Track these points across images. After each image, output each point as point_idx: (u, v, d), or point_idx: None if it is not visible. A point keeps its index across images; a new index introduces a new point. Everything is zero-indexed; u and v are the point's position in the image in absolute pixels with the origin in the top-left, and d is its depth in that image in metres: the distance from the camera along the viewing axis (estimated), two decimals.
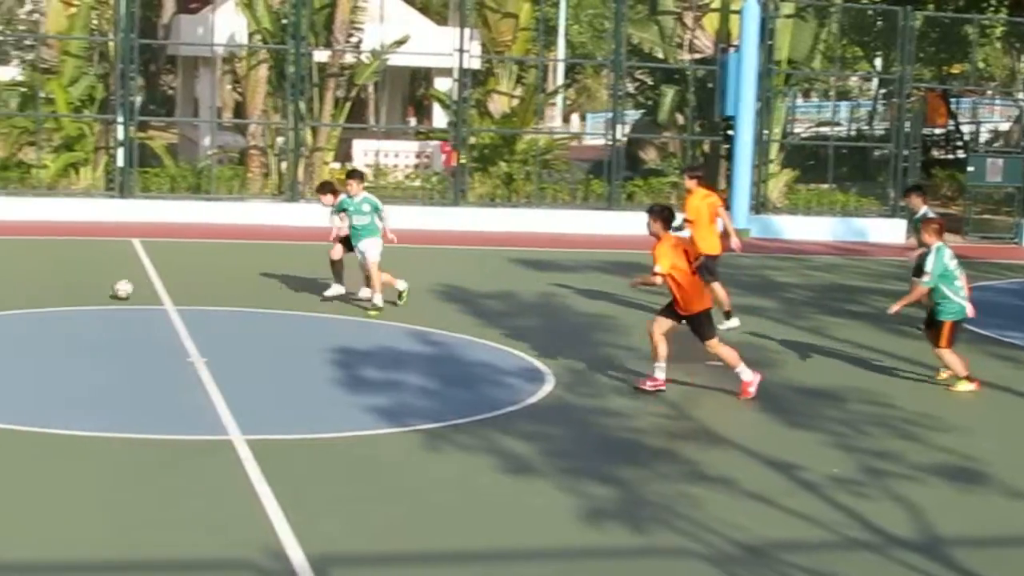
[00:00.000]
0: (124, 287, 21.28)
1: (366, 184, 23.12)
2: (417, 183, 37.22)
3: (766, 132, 36.84)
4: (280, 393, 15.95)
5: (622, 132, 37.69)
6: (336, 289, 21.94)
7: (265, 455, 12.93)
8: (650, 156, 42.83)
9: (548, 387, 16.68)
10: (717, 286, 20.65)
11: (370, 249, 21.29)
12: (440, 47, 36.55)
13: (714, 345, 16.30)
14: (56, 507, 11.46)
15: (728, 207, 35.02)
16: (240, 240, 30.20)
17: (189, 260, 27.26)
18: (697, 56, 39.21)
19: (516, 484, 12.62)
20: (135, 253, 27.17)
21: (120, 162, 33.71)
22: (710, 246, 20.56)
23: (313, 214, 32.54)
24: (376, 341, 18.89)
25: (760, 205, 36.53)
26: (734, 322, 21.11)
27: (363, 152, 38.93)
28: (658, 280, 16.09)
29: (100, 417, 14.37)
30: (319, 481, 12.43)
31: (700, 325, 16.26)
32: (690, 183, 21.40)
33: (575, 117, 74.26)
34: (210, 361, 17.01)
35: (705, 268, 18.90)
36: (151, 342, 18.52)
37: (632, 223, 33.99)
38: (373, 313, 20.89)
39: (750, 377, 16.29)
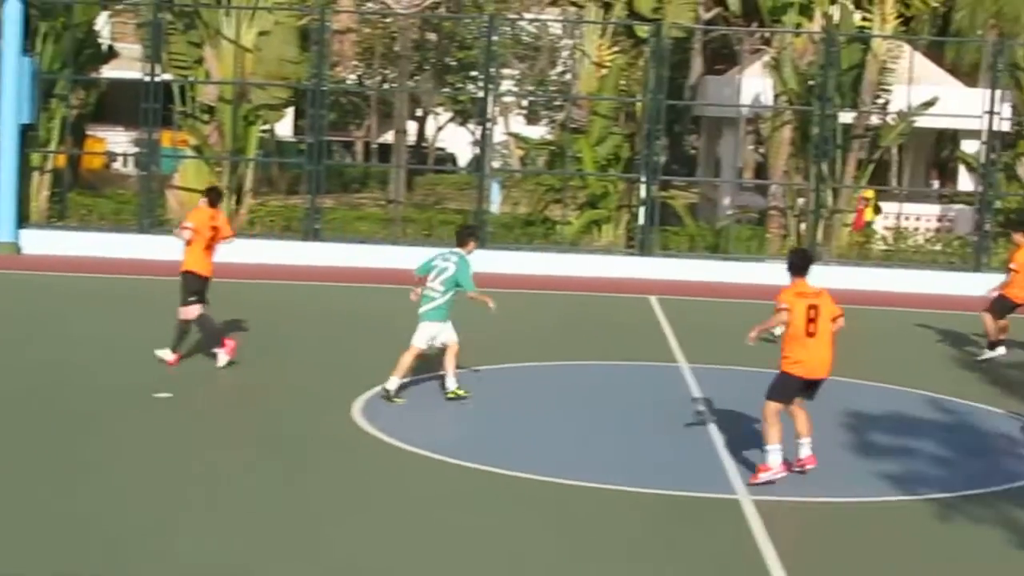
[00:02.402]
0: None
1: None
2: (937, 247, 36.51)
3: None
4: (788, 455, 15.91)
5: None
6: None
7: (771, 516, 12.96)
8: None
9: None
10: (989, 318, 23.21)
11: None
12: (969, 109, 35.67)
13: None
14: (561, 557, 11.85)
15: None
16: (757, 300, 30.22)
17: (705, 319, 27.56)
18: None
19: None
20: (652, 310, 27.70)
21: (641, 220, 34.47)
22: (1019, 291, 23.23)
23: (831, 276, 32.41)
24: (886, 406, 18.62)
25: None
26: (1000, 351, 23.29)
27: (884, 215, 38.48)
28: None
29: (610, 470, 14.75)
30: (824, 546, 12.38)
31: None
32: (1018, 237, 23.57)
33: None
34: (719, 420, 17.19)
35: (998, 304, 23.08)
36: (663, 398, 18.82)
37: None
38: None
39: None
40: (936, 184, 51.83)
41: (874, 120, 35.92)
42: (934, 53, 49.69)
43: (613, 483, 14.09)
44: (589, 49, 36.58)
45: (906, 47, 37.00)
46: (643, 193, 34.52)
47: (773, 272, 33.05)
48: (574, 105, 37.67)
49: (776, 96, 36.15)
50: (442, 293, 17.52)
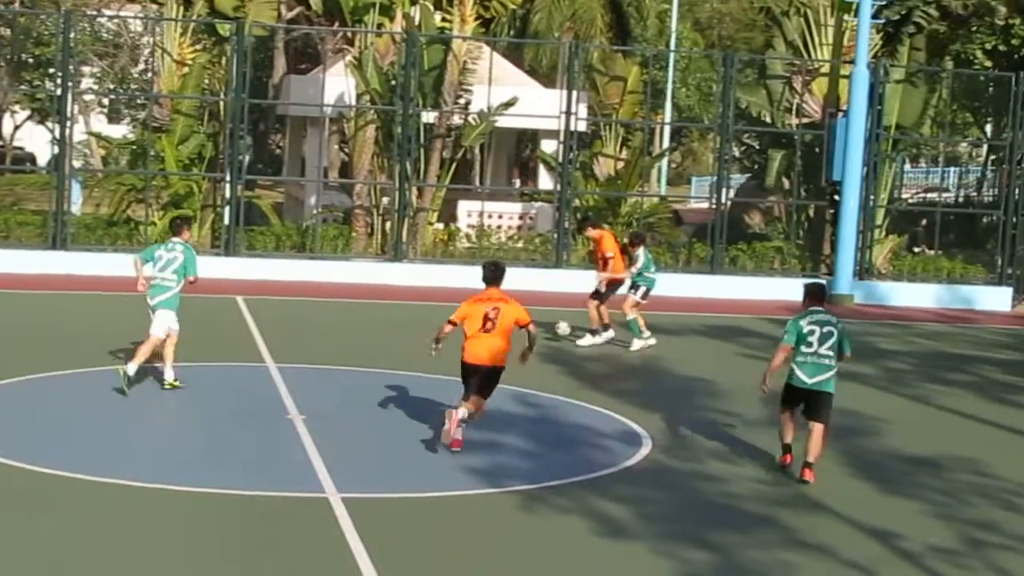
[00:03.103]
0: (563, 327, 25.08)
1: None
2: (520, 244, 37.33)
3: (872, 197, 36.57)
4: (377, 452, 16.00)
5: (727, 196, 37.59)
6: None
7: (360, 513, 12.96)
8: (755, 220, 42.68)
9: (645, 450, 16.63)
10: (595, 305, 24.71)
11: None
12: (547, 109, 36.63)
13: None
14: (153, 561, 11.58)
15: (832, 272, 34.91)
16: (344, 299, 30.39)
17: (292, 318, 27.47)
18: (805, 120, 39.03)
19: (611, 547, 12.56)
20: (239, 310, 27.44)
21: (227, 220, 34.13)
22: (622, 271, 24.87)
23: (417, 274, 32.81)
24: None
25: (865, 271, 36.21)
26: (595, 339, 24.74)
27: (467, 212, 39.10)
28: None
29: (198, 473, 14.52)
30: (413, 541, 12.45)
31: None
32: (593, 232, 25.51)
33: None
34: (308, 419, 17.12)
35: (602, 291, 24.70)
36: (251, 399, 18.66)
37: (735, 287, 33.94)
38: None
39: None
40: (518, 182, 53.09)
41: (456, 120, 36.49)
42: (513, 55, 50.85)
43: (201, 485, 13.85)
44: (170, 47, 35.98)
45: (486, 48, 37.72)
46: (228, 193, 34.19)
47: (358, 270, 33.65)
48: (156, 104, 36.95)
49: (359, 96, 36.30)
50: (176, 282, 18.61)
